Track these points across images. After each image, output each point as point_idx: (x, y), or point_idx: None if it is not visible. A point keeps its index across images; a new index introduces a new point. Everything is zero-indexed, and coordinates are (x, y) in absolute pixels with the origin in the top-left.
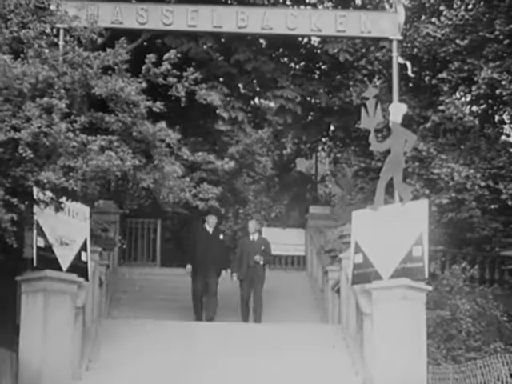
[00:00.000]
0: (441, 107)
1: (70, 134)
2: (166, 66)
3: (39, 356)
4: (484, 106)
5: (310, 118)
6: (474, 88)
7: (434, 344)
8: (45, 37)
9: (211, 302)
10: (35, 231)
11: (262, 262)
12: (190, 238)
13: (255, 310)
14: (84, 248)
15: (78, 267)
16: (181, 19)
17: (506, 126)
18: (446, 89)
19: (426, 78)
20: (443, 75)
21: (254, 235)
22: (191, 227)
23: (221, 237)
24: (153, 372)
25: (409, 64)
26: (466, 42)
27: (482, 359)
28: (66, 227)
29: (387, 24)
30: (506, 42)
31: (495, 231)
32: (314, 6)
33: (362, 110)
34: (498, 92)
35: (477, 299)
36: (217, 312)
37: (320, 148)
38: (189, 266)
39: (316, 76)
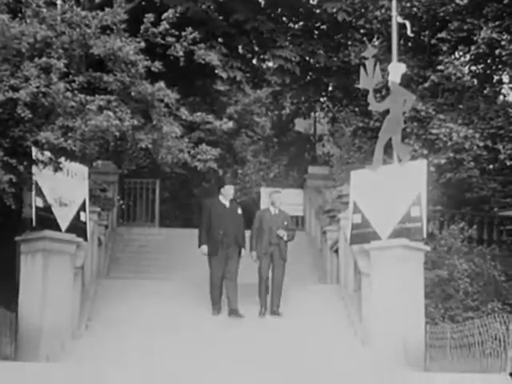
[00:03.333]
0: (440, 67)
1: (69, 94)
2: (164, 25)
3: (39, 316)
4: (483, 66)
5: (308, 78)
6: (473, 48)
7: (432, 304)
8: None
9: (233, 289)
10: (34, 191)
11: (285, 238)
12: (202, 213)
13: (274, 294)
14: (83, 208)
15: (77, 227)
16: None
17: (504, 86)
18: (445, 48)
19: (425, 38)
20: (442, 35)
21: (276, 209)
22: (204, 203)
23: (239, 211)
24: (152, 330)
25: (408, 23)
26: (465, 1)
27: (480, 319)
28: (64, 187)
29: None
30: (505, 1)
31: (494, 191)
32: None
33: (361, 69)
34: (497, 52)
35: (475, 259)
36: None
37: (318, 108)
38: (204, 247)
39: (315, 36)
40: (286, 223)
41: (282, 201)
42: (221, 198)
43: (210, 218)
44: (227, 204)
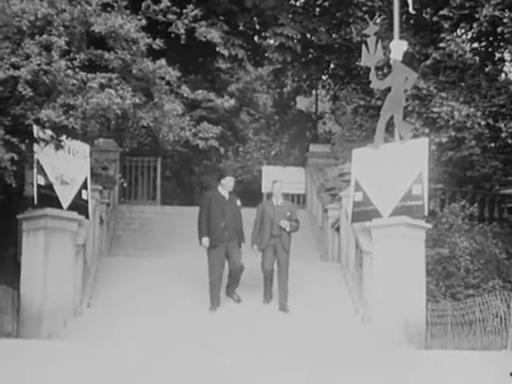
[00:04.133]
0: (441, 44)
1: (70, 72)
2: (165, 2)
3: (40, 293)
4: (485, 44)
5: (310, 55)
6: (475, 25)
7: (433, 281)
8: None
9: (235, 281)
10: (35, 170)
11: (288, 229)
12: (201, 204)
13: (281, 287)
14: (84, 186)
15: (79, 205)
16: None
17: (506, 64)
18: (446, 26)
19: (427, 15)
20: (444, 12)
21: (278, 199)
22: (203, 195)
23: (238, 202)
24: (153, 307)
25: (410, 0)
26: None
27: (481, 296)
28: (66, 165)
29: None
30: None
31: (495, 169)
32: None
33: (363, 47)
34: (499, 30)
35: (476, 237)
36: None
37: (320, 86)
38: (206, 239)
39: (316, 13)
40: (288, 214)
41: (282, 190)
42: (220, 189)
43: (210, 210)
44: (226, 196)
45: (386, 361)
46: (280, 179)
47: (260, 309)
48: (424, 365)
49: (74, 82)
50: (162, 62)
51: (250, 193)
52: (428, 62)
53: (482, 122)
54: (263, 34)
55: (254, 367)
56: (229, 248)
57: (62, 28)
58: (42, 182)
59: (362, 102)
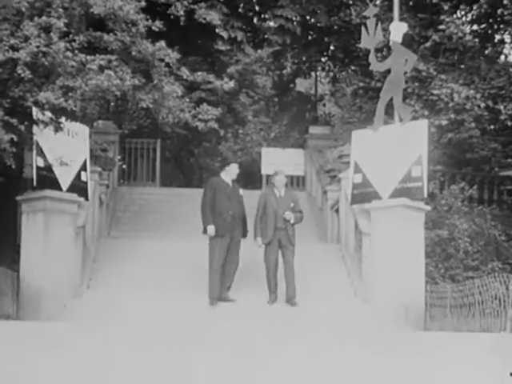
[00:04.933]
0: (441, 26)
1: (69, 54)
2: None
3: (40, 275)
4: (484, 26)
5: (309, 37)
6: (474, 7)
7: (432, 263)
8: None
9: (230, 279)
10: (35, 151)
11: (292, 221)
12: (206, 191)
13: (289, 280)
14: (84, 168)
15: (78, 187)
16: None
17: (506, 46)
18: (446, 8)
19: None
20: None
21: (281, 190)
22: (208, 181)
23: (241, 192)
24: (153, 289)
25: None
26: None
27: (480, 278)
28: (65, 147)
29: None
30: None
31: (494, 151)
32: None
33: (363, 29)
34: (499, 12)
35: (475, 219)
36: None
37: (319, 68)
38: (211, 228)
39: None
40: (292, 205)
41: (284, 182)
42: (223, 175)
43: (215, 198)
44: (230, 183)
45: (384, 342)
46: (281, 170)
47: (255, 292)
48: (423, 346)
49: (73, 63)
50: (162, 43)
51: (250, 175)
52: (428, 44)
53: (482, 104)
54: (263, 15)
55: (253, 344)
56: (232, 240)
57: (61, 10)
58: (41, 163)
59: (361, 84)
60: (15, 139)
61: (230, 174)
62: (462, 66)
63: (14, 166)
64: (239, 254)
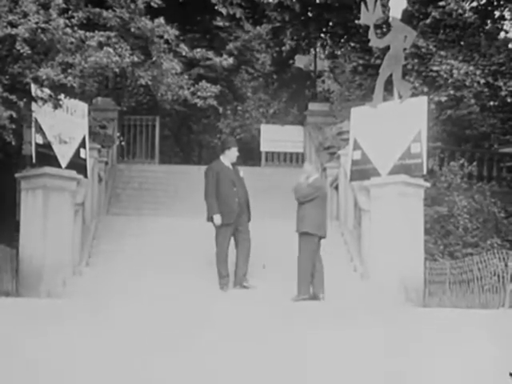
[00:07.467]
0: (441, 3)
1: (68, 30)
2: None
3: (39, 253)
4: (484, 2)
5: (308, 14)
6: None
7: (432, 240)
8: None
9: (246, 261)
10: (34, 128)
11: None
12: (207, 178)
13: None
14: (83, 145)
15: (77, 164)
16: None
17: (506, 23)
18: None
19: None
20: None
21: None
22: (210, 167)
23: (241, 173)
24: (152, 266)
25: None
26: None
27: (479, 255)
28: (64, 124)
29: None
30: None
31: (494, 128)
32: None
33: (362, 5)
34: None
35: (474, 196)
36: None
37: (319, 44)
38: (218, 217)
39: None
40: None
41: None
42: (223, 159)
43: (219, 184)
44: (231, 167)
45: (384, 318)
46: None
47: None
48: (421, 322)
49: (73, 40)
50: (161, 20)
51: (249, 151)
52: (427, 21)
53: (482, 81)
54: None
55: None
56: (239, 223)
57: None
58: (40, 140)
59: (360, 61)
60: (14, 116)
61: (229, 157)
62: (462, 43)
63: (13, 143)
64: (250, 239)
